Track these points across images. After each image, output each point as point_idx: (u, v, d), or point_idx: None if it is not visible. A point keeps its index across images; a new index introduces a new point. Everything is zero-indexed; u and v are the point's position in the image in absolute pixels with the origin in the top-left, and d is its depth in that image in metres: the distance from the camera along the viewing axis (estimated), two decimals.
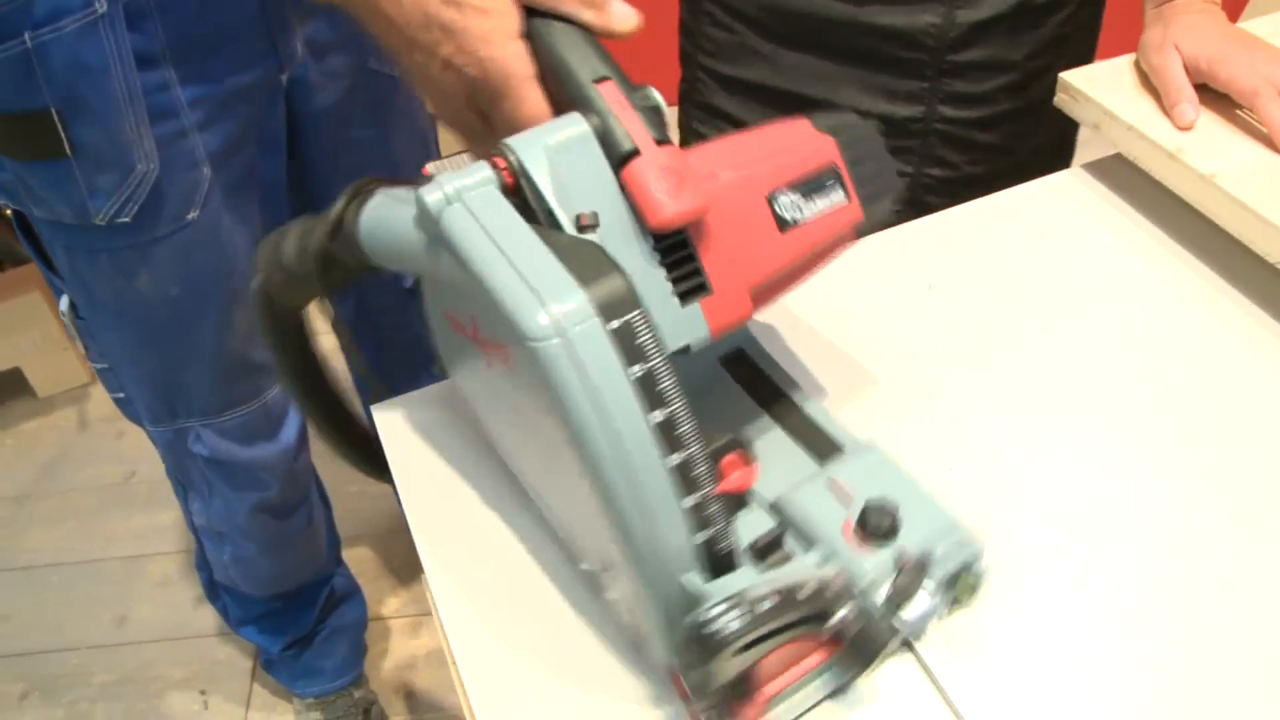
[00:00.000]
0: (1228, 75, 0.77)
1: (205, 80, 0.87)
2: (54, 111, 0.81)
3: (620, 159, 0.47)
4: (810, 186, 0.50)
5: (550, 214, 0.46)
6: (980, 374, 0.68)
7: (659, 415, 0.43)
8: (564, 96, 0.50)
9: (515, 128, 0.50)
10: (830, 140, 0.52)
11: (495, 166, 0.46)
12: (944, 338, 0.70)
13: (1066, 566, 0.57)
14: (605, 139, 0.47)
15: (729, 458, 0.48)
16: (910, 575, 0.48)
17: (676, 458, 0.43)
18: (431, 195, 0.45)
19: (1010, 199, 0.83)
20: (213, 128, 0.91)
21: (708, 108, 0.94)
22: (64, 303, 0.99)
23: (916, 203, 0.94)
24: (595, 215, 0.46)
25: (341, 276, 0.56)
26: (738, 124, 0.94)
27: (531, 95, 0.52)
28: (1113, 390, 0.67)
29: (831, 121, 0.52)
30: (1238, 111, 0.78)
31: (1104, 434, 0.64)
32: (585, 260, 0.43)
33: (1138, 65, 0.84)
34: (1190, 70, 0.79)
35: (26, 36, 0.77)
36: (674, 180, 0.46)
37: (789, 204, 0.50)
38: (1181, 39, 0.79)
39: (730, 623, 0.43)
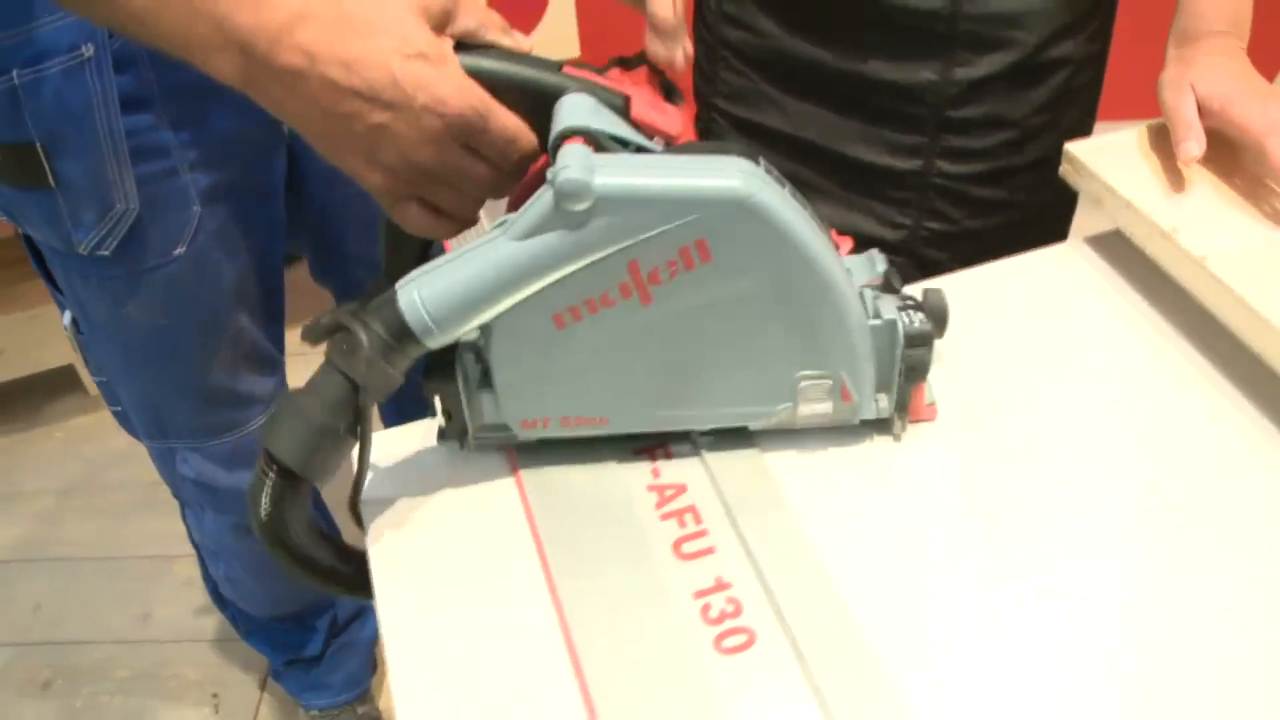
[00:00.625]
0: (1240, 116, 0.75)
1: (199, 124, 0.90)
2: (39, 145, 0.84)
3: (622, 108, 0.60)
4: (666, 87, 0.65)
5: (642, 148, 0.58)
6: (961, 440, 0.68)
7: (809, 211, 0.59)
8: (519, 105, 0.59)
9: (508, 137, 0.58)
10: (642, 73, 0.65)
11: (579, 144, 0.55)
12: (943, 387, 0.70)
13: (1041, 620, 0.58)
14: (603, 100, 0.59)
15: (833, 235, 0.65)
16: (892, 278, 0.67)
17: (828, 238, 0.60)
18: (571, 174, 0.53)
19: (1006, 269, 0.82)
20: (206, 169, 0.93)
21: None
22: (66, 318, 1.02)
23: (915, 255, 0.95)
24: (664, 139, 0.60)
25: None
26: None
27: (504, 109, 0.58)
28: (1094, 461, 0.67)
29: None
30: (1251, 197, 0.77)
31: (1082, 498, 0.65)
32: (704, 149, 0.57)
33: (1145, 134, 0.83)
34: (1203, 110, 0.77)
35: (14, 74, 0.81)
36: (660, 107, 0.61)
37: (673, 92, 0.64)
38: (1198, 79, 0.78)
39: (925, 324, 0.63)
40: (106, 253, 0.91)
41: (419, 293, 0.57)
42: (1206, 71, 0.79)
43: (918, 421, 0.69)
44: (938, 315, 0.66)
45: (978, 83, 0.86)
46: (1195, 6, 0.81)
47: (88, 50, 0.82)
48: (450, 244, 0.65)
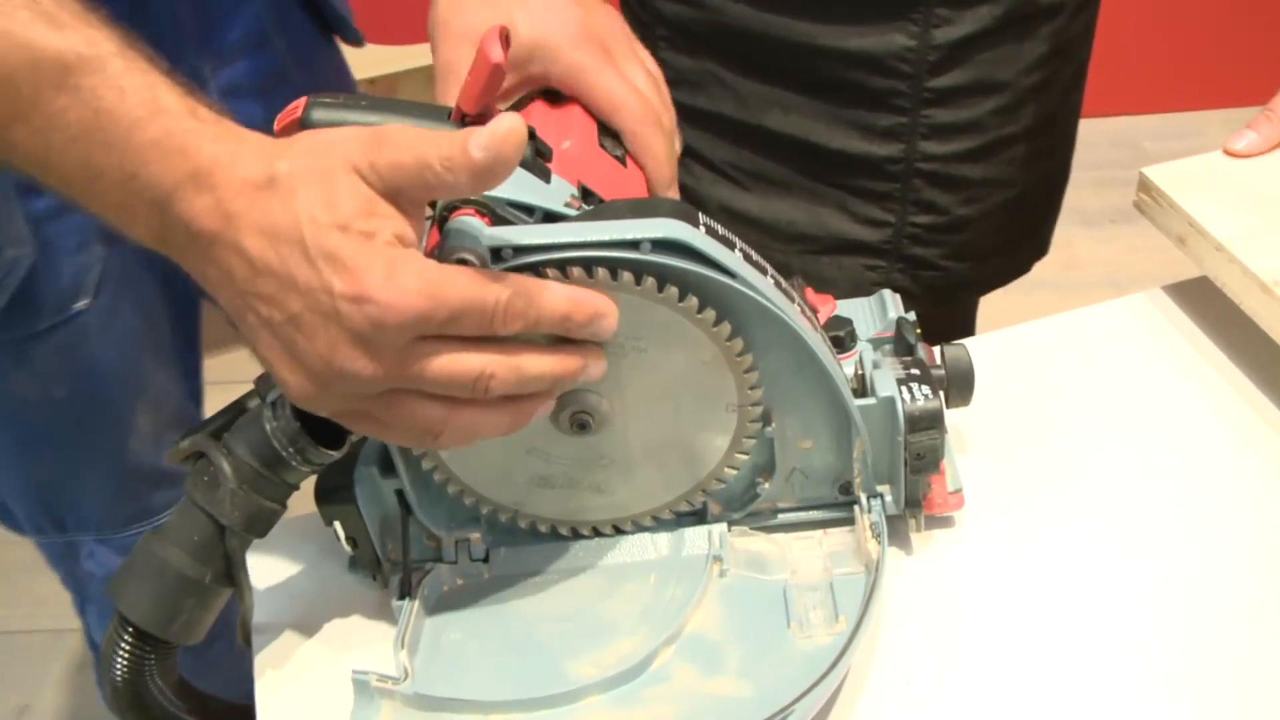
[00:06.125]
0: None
1: None
2: None
3: (531, 161, 0.53)
4: (605, 133, 0.60)
5: (552, 214, 0.52)
6: (989, 547, 0.62)
7: (771, 274, 0.55)
8: None
9: (495, 308, 0.47)
10: (574, 105, 0.61)
11: (468, 216, 0.49)
12: (980, 471, 0.64)
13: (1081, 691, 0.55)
14: None
15: (809, 295, 0.62)
16: (905, 331, 0.61)
17: (799, 301, 0.57)
18: (461, 257, 0.48)
19: (1070, 323, 0.75)
20: None
21: None
22: None
23: (903, 256, 0.88)
24: (579, 187, 0.54)
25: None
26: (704, 162, 0.89)
27: (471, 275, 0.48)
28: (1163, 581, 0.59)
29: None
30: None
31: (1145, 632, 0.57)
32: (629, 209, 0.52)
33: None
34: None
35: None
36: (591, 157, 0.58)
37: (610, 145, 0.60)
38: None
39: (930, 401, 0.56)
40: None
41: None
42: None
43: (938, 515, 0.61)
44: (960, 379, 0.60)
45: (961, 43, 0.79)
46: None
47: None
48: None
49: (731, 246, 0.52)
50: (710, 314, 0.52)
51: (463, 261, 0.47)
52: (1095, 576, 0.59)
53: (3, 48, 0.45)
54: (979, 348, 0.71)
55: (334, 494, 0.58)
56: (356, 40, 0.98)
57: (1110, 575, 0.59)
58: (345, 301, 0.45)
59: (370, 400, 0.48)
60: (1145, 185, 0.73)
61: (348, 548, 0.60)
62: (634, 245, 0.49)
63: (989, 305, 0.97)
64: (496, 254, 0.48)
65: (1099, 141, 2.27)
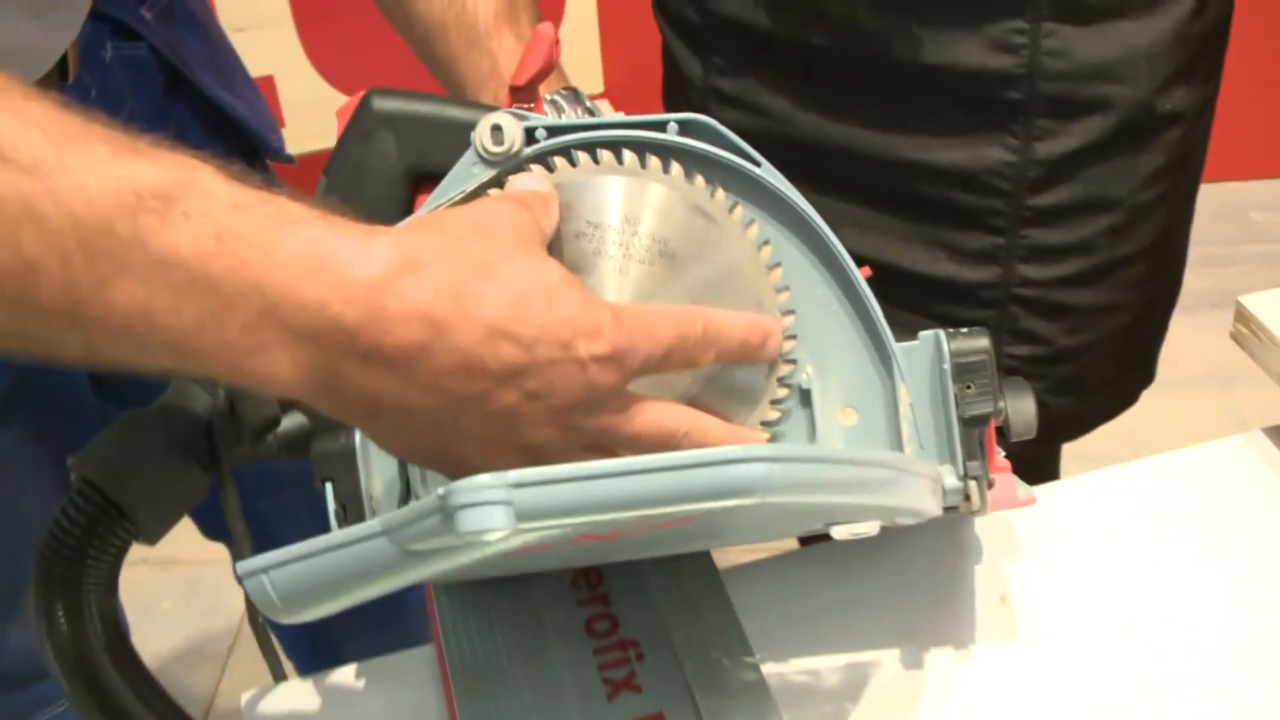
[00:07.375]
0: None
1: None
2: None
3: None
4: None
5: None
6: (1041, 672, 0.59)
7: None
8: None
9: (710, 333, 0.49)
10: None
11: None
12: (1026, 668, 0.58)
13: None
14: None
15: None
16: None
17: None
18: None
19: (1148, 471, 0.69)
20: None
21: None
22: None
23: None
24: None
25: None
26: None
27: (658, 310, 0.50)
28: None
29: None
30: None
31: None
32: None
33: None
34: None
35: None
36: None
37: None
38: None
39: (977, 336, 0.54)
40: None
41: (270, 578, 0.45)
42: None
43: (1006, 510, 0.58)
44: (1020, 419, 0.55)
45: (1067, 158, 0.74)
46: None
47: None
48: None
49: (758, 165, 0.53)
50: (739, 212, 0.52)
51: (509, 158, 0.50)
52: None
53: (88, 187, 0.38)
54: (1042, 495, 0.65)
55: (323, 431, 0.54)
56: (285, 159, 0.92)
57: None
58: (594, 364, 0.44)
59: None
60: (1243, 316, 0.69)
61: (334, 522, 0.54)
62: (660, 127, 0.51)
63: None
64: (530, 136, 0.51)
65: (1198, 211, 2.11)
